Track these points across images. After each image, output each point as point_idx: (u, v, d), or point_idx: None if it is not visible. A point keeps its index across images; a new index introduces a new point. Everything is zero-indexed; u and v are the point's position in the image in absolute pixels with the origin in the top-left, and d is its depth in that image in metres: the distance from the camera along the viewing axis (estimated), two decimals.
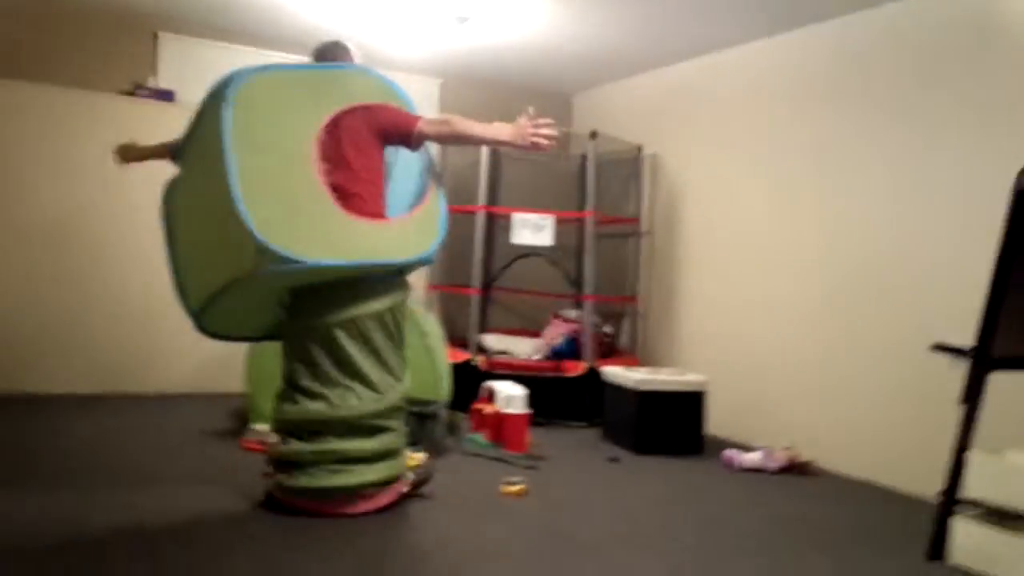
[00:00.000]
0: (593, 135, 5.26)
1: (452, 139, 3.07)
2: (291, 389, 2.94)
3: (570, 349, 5.10)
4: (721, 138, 5.02)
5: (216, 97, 2.85)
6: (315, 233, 2.76)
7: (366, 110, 2.96)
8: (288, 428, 2.91)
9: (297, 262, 2.65)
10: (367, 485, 2.90)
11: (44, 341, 4.75)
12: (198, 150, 3.01)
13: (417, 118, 3.00)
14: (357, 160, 2.90)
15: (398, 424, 3.03)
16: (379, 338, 2.94)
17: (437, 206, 3.17)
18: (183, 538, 2.55)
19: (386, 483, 2.97)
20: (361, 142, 2.91)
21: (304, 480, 2.86)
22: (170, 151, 3.25)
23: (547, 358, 5.06)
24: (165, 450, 3.63)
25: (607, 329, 5.42)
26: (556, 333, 5.25)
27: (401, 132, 2.98)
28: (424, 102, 3.31)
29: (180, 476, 3.24)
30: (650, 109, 5.68)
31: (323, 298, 2.90)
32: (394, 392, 2.98)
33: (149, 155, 3.42)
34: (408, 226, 3.04)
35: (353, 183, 2.88)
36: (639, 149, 5.56)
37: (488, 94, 6.21)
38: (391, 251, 2.90)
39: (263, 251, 2.62)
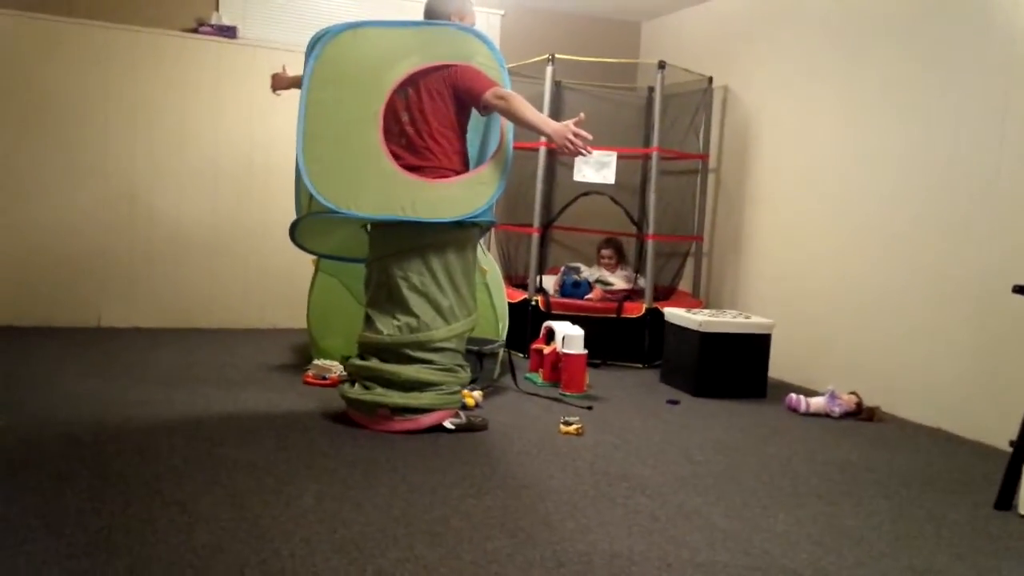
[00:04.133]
0: (661, 65, 5.07)
1: (507, 115, 3.14)
2: (365, 310, 3.26)
3: (574, 290, 5.03)
4: (795, 69, 4.77)
5: (309, 50, 3.11)
6: (364, 187, 3.04)
7: (447, 68, 3.10)
8: (360, 347, 3.23)
9: (339, 212, 3.02)
10: (401, 407, 3.10)
11: (112, 278, 4.95)
12: None
13: (489, 85, 3.08)
14: (434, 115, 3.10)
15: (444, 359, 3.16)
16: (428, 275, 3.11)
17: (499, 168, 3.24)
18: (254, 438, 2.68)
19: (424, 410, 3.12)
20: (438, 99, 3.10)
21: (353, 392, 3.15)
22: None
23: (557, 294, 5.02)
24: (236, 377, 3.78)
25: (616, 285, 5.22)
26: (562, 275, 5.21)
27: (471, 96, 3.11)
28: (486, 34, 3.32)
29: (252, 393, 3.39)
30: (722, 38, 5.42)
31: (383, 235, 3.19)
32: (438, 330, 3.12)
33: (294, 84, 3.65)
34: (461, 186, 3.14)
35: (426, 137, 3.10)
36: (709, 81, 5.33)
37: (551, 25, 6.03)
38: (435, 210, 3.08)
39: (314, 198, 3.06)
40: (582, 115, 3.11)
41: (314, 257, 4.05)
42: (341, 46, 3.07)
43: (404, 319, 3.11)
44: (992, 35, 3.63)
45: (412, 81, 3.10)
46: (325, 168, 3.03)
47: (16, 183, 4.75)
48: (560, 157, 5.41)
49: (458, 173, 3.15)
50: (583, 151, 3.05)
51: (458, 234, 3.16)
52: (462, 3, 3.26)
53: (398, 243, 3.13)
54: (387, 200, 3.05)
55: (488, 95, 3.04)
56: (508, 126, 3.26)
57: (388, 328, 3.12)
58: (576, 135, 3.02)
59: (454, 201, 3.10)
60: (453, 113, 3.14)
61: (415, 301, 3.10)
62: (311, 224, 3.46)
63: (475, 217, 3.14)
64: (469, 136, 3.31)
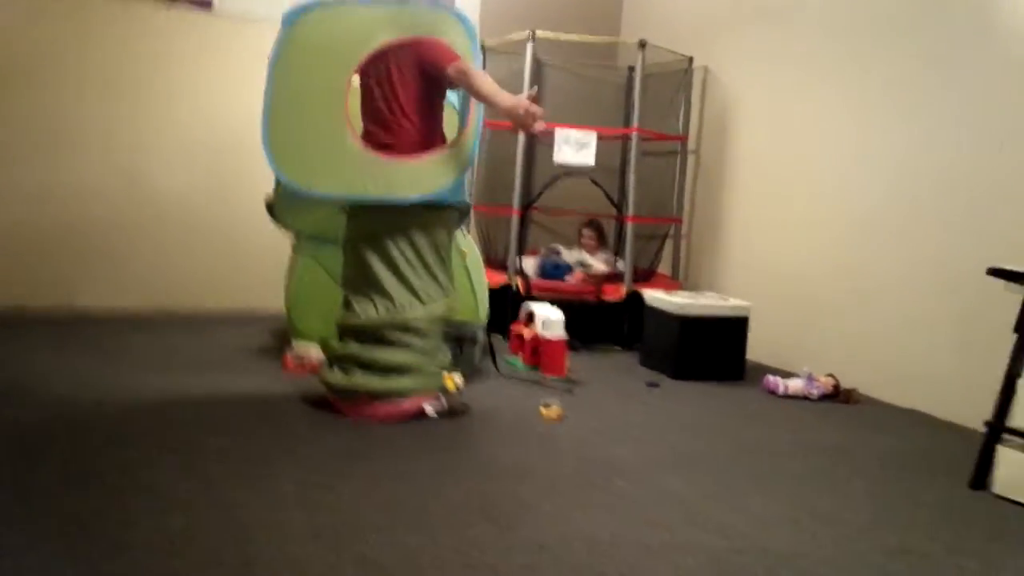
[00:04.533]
0: (642, 45, 5.04)
1: (468, 90, 3.08)
2: (343, 292, 3.22)
3: (554, 272, 5.05)
4: (777, 53, 4.76)
5: (283, 25, 3.11)
6: (325, 165, 3.04)
7: (415, 43, 3.05)
8: (338, 329, 3.19)
9: (297, 191, 3.08)
10: (381, 393, 3.06)
11: (87, 258, 4.83)
12: None
13: (453, 59, 3.01)
14: (403, 90, 3.06)
15: (423, 343, 3.13)
16: (400, 257, 3.08)
17: (464, 147, 3.18)
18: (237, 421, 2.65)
19: (404, 394, 3.09)
20: (407, 74, 3.06)
21: (332, 377, 3.11)
22: None
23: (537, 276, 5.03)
24: (214, 361, 3.74)
25: (596, 268, 5.20)
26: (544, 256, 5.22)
27: (436, 69, 3.04)
28: (464, 13, 3.28)
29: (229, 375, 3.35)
30: (702, 18, 5.40)
31: (357, 216, 3.17)
32: (414, 311, 3.09)
33: None
34: (429, 165, 3.09)
35: (397, 113, 3.07)
36: (690, 61, 5.31)
37: (531, 0, 5.96)
38: (394, 189, 3.03)
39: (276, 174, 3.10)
40: (534, 89, 3.07)
41: (292, 238, 4.01)
42: (310, 24, 3.08)
43: (380, 301, 3.09)
44: (993, 33, 3.63)
45: (383, 57, 3.08)
46: (288, 147, 3.04)
47: None
48: (540, 139, 5.37)
49: (426, 148, 3.11)
50: (532, 127, 2.95)
51: (428, 215, 3.11)
52: None
53: (370, 225, 3.11)
54: (347, 179, 3.04)
55: (450, 69, 2.99)
56: (478, 105, 3.22)
57: (365, 310, 3.10)
58: (527, 110, 2.91)
59: (415, 180, 3.05)
60: (422, 88, 3.09)
61: (390, 283, 3.08)
62: (288, 202, 3.43)
63: (438, 197, 3.08)
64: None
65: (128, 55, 4.80)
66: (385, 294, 3.08)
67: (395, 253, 3.08)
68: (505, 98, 2.96)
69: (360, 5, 3.16)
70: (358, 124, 3.21)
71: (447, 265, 3.23)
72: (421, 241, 3.10)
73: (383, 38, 3.07)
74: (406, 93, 3.07)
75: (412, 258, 3.10)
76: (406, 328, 3.09)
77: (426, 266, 3.12)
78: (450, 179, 3.10)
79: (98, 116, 4.79)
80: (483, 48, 4.95)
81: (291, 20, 3.09)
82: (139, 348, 4.00)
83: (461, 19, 3.16)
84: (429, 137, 3.13)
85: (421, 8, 3.17)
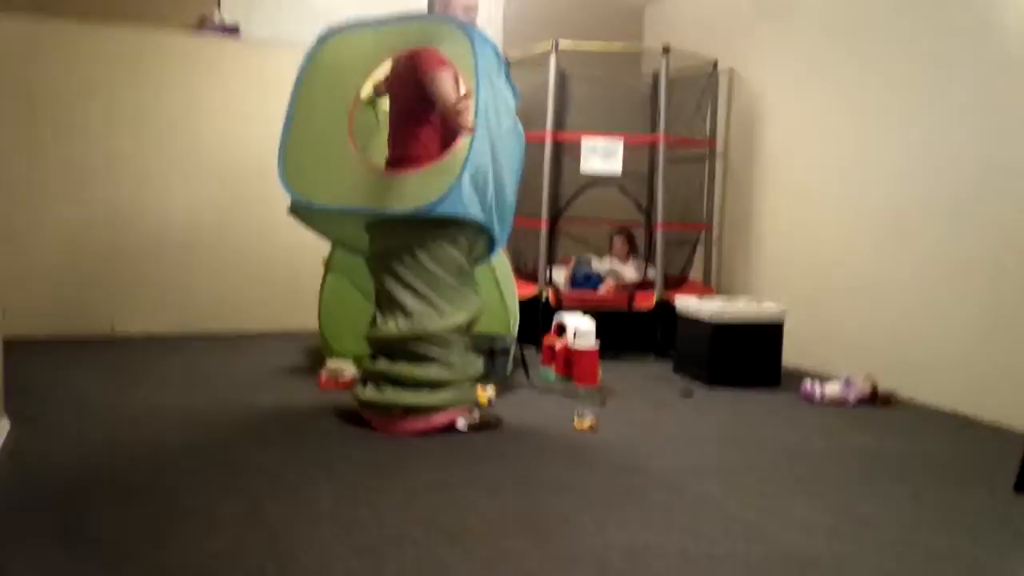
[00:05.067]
0: (666, 50, 5.03)
1: (434, 94, 3.09)
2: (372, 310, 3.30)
3: (585, 282, 5.08)
4: (802, 52, 4.72)
5: (313, 45, 3.25)
6: (325, 177, 3.18)
7: (410, 56, 3.14)
8: (368, 343, 3.26)
9: (300, 203, 3.19)
10: (413, 407, 3.09)
11: (124, 286, 4.92)
12: None
13: (435, 68, 3.06)
14: (407, 103, 3.15)
15: (449, 355, 3.14)
16: (408, 273, 3.11)
17: (456, 158, 3.10)
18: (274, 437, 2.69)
19: (437, 409, 3.12)
20: (406, 85, 3.15)
21: (365, 394, 3.15)
22: None
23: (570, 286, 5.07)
24: (250, 381, 3.79)
25: (627, 276, 5.21)
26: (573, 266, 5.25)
27: (423, 79, 3.09)
28: (487, 19, 3.31)
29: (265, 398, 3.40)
30: (727, 21, 5.37)
31: (375, 233, 3.24)
32: (432, 322, 3.09)
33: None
34: (421, 177, 3.10)
35: (404, 125, 3.17)
36: (714, 65, 5.29)
37: (553, 11, 5.99)
38: (388, 200, 3.09)
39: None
40: (463, 90, 3.08)
41: (324, 257, 4.06)
42: (335, 44, 3.21)
43: (399, 314, 3.13)
44: (992, 27, 3.57)
45: (396, 72, 3.22)
46: (299, 159, 3.18)
47: (18, 189, 4.69)
48: (566, 147, 5.37)
49: (433, 156, 3.14)
50: (458, 121, 2.96)
51: (425, 232, 3.08)
52: None
53: (385, 241, 3.17)
54: (341, 192, 3.15)
55: (426, 76, 3.06)
56: (474, 117, 3.19)
57: (386, 324, 3.14)
58: (453, 107, 2.96)
59: (411, 192, 3.06)
60: (419, 98, 3.12)
61: (405, 298, 3.11)
62: (312, 215, 3.48)
63: (436, 208, 2.96)
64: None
65: (157, 84, 4.92)
66: (403, 309, 3.11)
67: (401, 270, 3.11)
68: (448, 98, 3.02)
69: (383, 26, 3.22)
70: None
71: (462, 278, 3.19)
72: (424, 257, 3.09)
73: (387, 56, 3.19)
74: (408, 104, 3.17)
75: (421, 273, 3.11)
76: (429, 340, 3.10)
77: (437, 279, 3.12)
78: (435, 193, 2.99)
79: (128, 147, 4.90)
80: (507, 61, 4.98)
81: (321, 41, 3.22)
82: (176, 370, 4.08)
83: (465, 29, 3.13)
84: (436, 148, 3.15)
85: (427, 21, 3.26)
